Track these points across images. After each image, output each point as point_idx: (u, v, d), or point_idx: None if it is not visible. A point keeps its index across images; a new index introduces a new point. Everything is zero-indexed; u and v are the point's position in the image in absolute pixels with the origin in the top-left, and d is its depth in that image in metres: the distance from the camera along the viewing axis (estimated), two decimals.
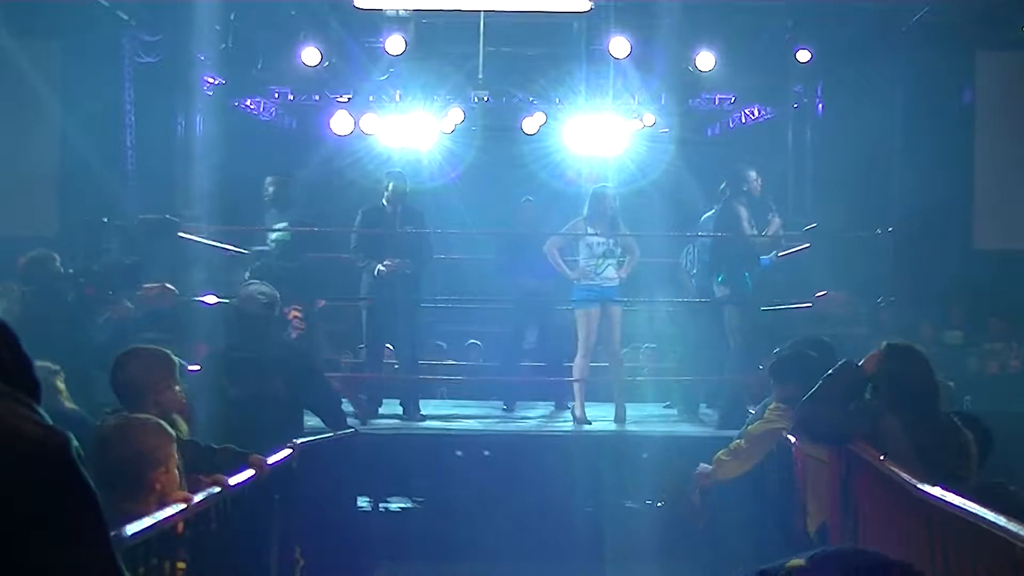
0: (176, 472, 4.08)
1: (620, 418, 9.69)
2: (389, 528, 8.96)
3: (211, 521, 4.39)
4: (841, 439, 5.23)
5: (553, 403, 10.80)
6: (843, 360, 5.43)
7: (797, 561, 1.46)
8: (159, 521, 3.68)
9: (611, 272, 9.61)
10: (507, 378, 10.77)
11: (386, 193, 10.14)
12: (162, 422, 4.17)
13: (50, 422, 1.26)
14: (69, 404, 6.38)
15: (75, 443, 1.26)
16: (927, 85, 11.95)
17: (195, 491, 4.22)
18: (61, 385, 6.36)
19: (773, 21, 12.27)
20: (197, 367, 6.97)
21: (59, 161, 11.33)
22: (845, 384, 5.19)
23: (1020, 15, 11.56)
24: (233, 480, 4.73)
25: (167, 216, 10.18)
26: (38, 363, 1.38)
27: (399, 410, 10.04)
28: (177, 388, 4.94)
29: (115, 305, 8.66)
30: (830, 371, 5.38)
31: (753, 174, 9.93)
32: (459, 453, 9.10)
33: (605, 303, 9.60)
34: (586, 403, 9.79)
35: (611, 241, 9.62)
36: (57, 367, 6.27)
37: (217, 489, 4.50)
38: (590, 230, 9.68)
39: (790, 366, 6.49)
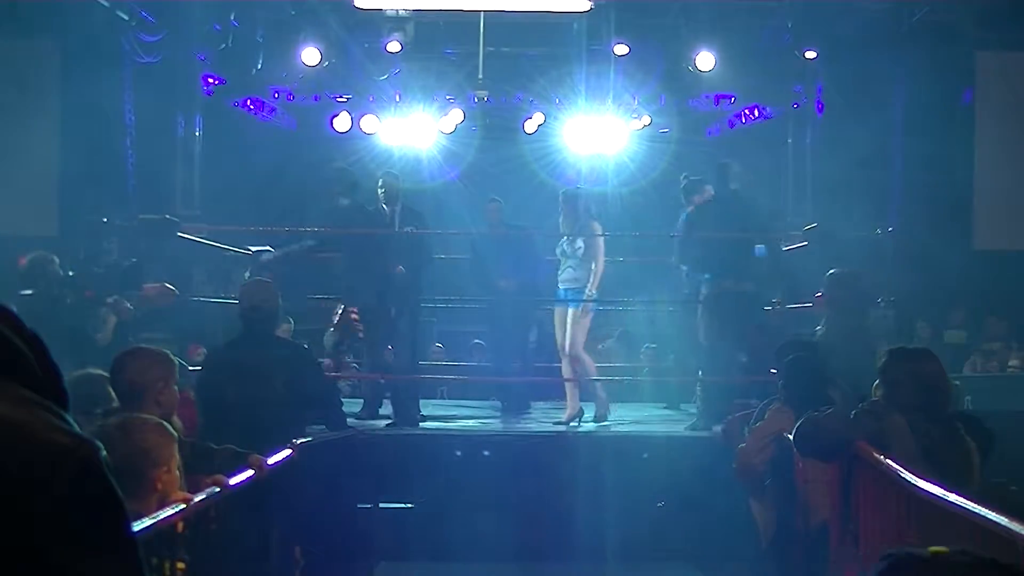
0: (177, 472, 4.08)
1: (600, 417, 9.60)
2: (389, 528, 8.94)
3: (211, 521, 4.40)
4: (845, 448, 5.22)
5: (549, 404, 10.74)
6: (830, 410, 5.50)
7: (940, 548, 1.46)
8: (159, 521, 3.68)
9: (568, 274, 9.50)
10: (502, 378, 10.74)
11: (380, 194, 10.11)
12: (163, 422, 4.18)
13: (80, 431, 1.27)
14: None
15: (104, 452, 1.27)
16: (927, 85, 11.94)
17: (195, 491, 4.23)
18: None
19: (773, 21, 12.28)
20: (197, 367, 6.97)
21: (59, 161, 11.32)
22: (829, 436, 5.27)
23: (1020, 15, 11.56)
24: (233, 480, 4.73)
25: (167, 216, 10.17)
26: None
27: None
28: (176, 388, 4.94)
29: (115, 306, 8.66)
30: (819, 415, 5.42)
31: (738, 168, 9.67)
32: (458, 453, 9.08)
33: (564, 305, 9.54)
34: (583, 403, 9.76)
35: (572, 243, 9.51)
36: None
37: (217, 489, 4.50)
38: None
39: (790, 367, 6.49)
